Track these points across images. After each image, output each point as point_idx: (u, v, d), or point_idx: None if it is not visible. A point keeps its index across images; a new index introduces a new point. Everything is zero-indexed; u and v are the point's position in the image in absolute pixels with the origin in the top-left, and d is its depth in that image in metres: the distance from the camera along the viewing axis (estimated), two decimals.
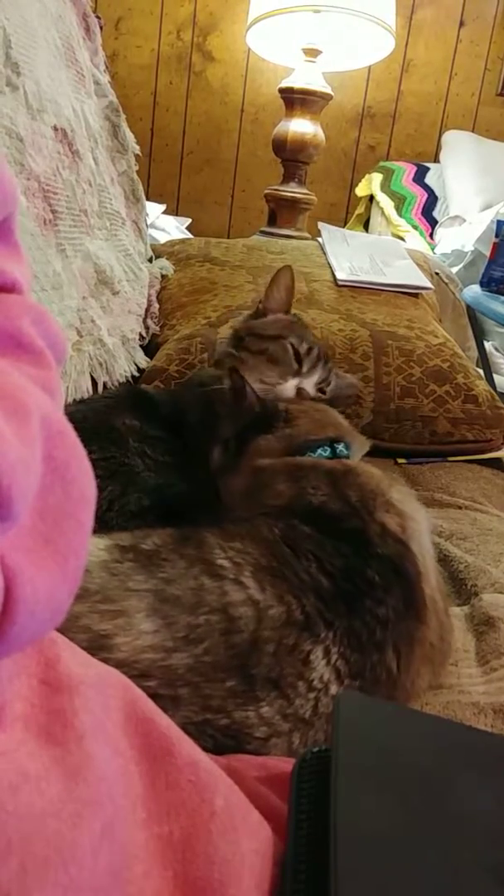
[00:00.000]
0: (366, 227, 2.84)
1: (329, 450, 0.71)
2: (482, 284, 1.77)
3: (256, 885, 0.30)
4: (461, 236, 2.33)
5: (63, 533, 0.24)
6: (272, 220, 2.27)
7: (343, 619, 0.51)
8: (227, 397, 0.80)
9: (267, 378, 0.89)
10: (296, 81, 2.12)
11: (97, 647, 0.45)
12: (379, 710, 0.43)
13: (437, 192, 2.68)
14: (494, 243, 1.73)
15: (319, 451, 0.71)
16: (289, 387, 0.89)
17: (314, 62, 2.11)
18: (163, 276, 1.51)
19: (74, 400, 0.98)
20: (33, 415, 0.25)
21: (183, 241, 1.77)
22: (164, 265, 1.53)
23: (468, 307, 1.90)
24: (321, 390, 0.94)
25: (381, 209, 2.68)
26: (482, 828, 0.33)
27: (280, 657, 0.48)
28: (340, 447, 0.72)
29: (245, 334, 0.99)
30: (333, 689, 0.48)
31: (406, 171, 2.74)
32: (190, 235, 2.31)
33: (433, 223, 2.63)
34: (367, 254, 1.62)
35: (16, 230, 0.34)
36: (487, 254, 1.84)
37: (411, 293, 1.50)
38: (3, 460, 0.21)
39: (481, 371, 1.85)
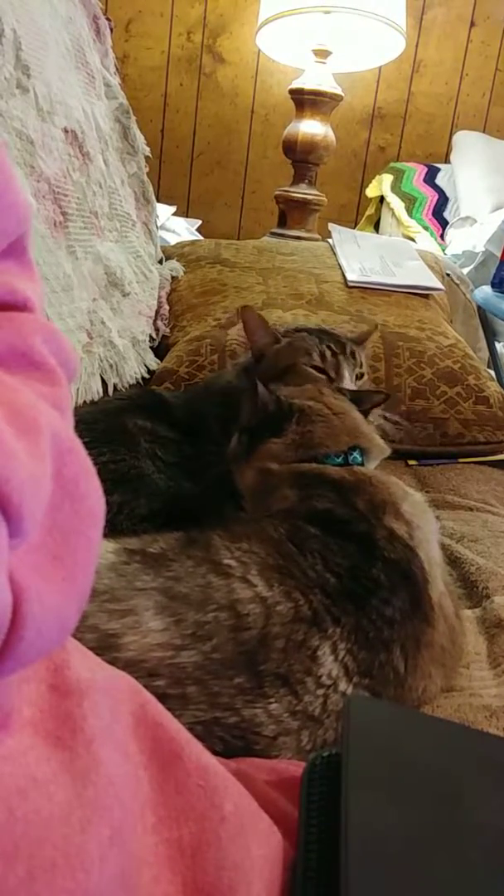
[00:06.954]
0: (376, 228, 2.83)
1: (341, 456, 0.70)
2: (493, 285, 1.76)
3: (266, 890, 0.29)
4: (472, 237, 2.32)
5: (71, 550, 0.25)
6: (282, 222, 2.27)
7: (350, 617, 0.51)
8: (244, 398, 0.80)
9: None
10: (306, 82, 2.11)
11: (105, 646, 0.45)
12: (389, 714, 0.42)
13: (448, 193, 2.67)
14: None
15: (330, 458, 0.70)
16: None
17: (324, 63, 2.11)
18: (173, 278, 1.51)
19: (85, 402, 0.98)
20: (44, 432, 0.25)
21: (193, 242, 1.77)
22: (175, 267, 1.53)
23: (479, 308, 1.89)
24: (360, 375, 0.92)
25: (392, 210, 2.67)
26: (494, 834, 0.32)
27: (289, 653, 0.47)
28: (353, 455, 0.71)
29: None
30: (342, 685, 0.48)
31: (417, 171, 2.73)
32: (200, 237, 2.31)
33: (444, 224, 2.62)
34: (378, 255, 1.62)
35: (30, 249, 0.34)
36: (498, 254, 1.83)
37: (422, 294, 1.49)
38: (14, 477, 0.21)
39: (492, 372, 1.83)
